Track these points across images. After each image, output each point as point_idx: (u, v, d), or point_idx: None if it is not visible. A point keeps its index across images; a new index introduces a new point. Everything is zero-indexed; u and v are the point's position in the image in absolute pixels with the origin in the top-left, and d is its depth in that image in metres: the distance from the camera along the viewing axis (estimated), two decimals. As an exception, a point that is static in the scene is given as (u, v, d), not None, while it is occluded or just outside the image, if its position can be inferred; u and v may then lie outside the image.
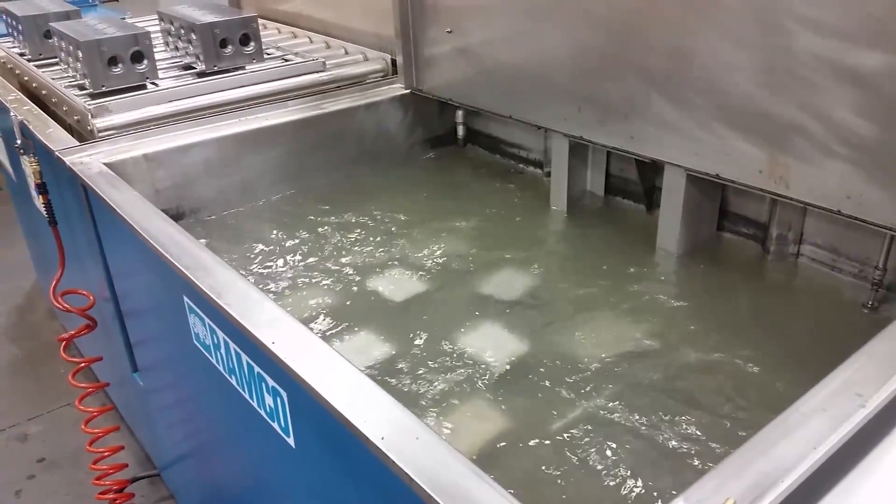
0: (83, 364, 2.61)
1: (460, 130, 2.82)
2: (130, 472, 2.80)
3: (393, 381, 1.62)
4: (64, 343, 2.51)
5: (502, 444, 1.44)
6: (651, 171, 2.16)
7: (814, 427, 1.01)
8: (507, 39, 2.23)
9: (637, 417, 1.48)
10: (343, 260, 2.10)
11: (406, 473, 0.95)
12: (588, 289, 1.93)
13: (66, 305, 2.48)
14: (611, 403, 1.52)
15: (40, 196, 2.49)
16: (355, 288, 1.98)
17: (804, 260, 1.94)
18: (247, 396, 1.51)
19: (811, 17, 1.52)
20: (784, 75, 1.59)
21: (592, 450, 1.41)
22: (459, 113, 2.78)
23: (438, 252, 2.11)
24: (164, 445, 2.63)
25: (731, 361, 1.62)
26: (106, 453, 2.57)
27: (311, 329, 1.74)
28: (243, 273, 2.04)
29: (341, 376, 1.17)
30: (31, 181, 2.53)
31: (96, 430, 2.54)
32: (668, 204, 2.01)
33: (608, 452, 1.40)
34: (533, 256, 2.09)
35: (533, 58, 2.16)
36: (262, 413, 1.46)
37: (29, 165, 2.47)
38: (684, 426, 1.45)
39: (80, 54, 2.43)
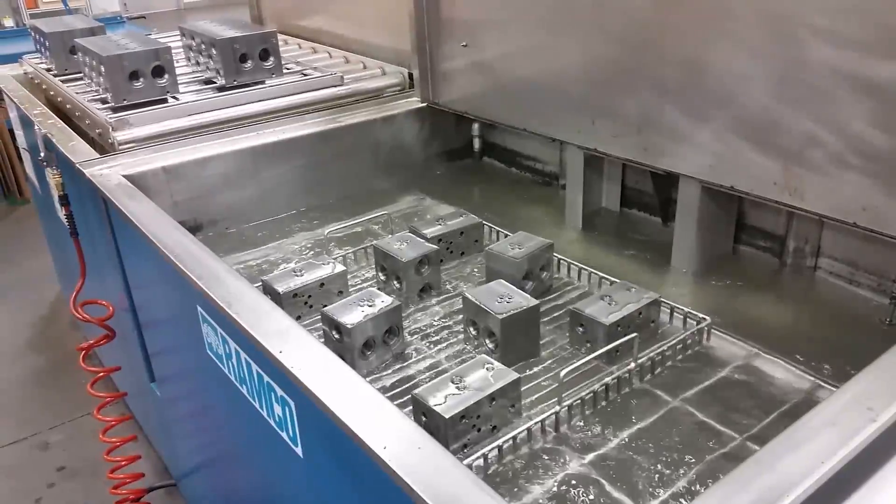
0: (102, 374, 2.64)
1: (476, 143, 2.83)
2: (148, 481, 2.82)
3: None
4: (83, 353, 2.55)
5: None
6: (666, 183, 2.15)
7: (822, 441, 0.99)
8: (522, 53, 2.24)
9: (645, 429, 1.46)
10: (357, 274, 2.11)
11: (407, 483, 0.95)
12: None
13: (85, 316, 2.52)
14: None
15: (62, 208, 2.55)
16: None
17: (822, 273, 1.91)
18: (257, 406, 1.52)
19: (826, 28, 1.50)
20: (799, 86, 1.57)
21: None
22: (476, 126, 2.79)
23: (454, 264, 2.12)
24: (180, 455, 2.65)
25: (749, 377, 1.59)
26: (123, 462, 2.59)
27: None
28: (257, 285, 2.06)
29: (347, 387, 1.17)
30: (55, 193, 2.58)
31: (114, 440, 2.57)
32: (683, 216, 1.99)
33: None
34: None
35: (547, 70, 2.17)
36: (272, 423, 1.46)
37: (52, 178, 2.52)
38: (695, 439, 1.43)
39: (103, 69, 2.48)
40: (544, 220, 2.38)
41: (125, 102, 2.50)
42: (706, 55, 1.73)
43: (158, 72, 2.54)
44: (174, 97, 2.60)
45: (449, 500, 0.92)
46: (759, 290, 1.90)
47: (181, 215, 2.28)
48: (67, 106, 2.76)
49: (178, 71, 2.74)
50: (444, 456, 1.00)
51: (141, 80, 2.51)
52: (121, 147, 2.35)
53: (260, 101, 2.62)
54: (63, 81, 2.94)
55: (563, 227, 2.34)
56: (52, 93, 2.97)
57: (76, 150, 2.33)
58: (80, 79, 2.87)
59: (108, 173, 2.14)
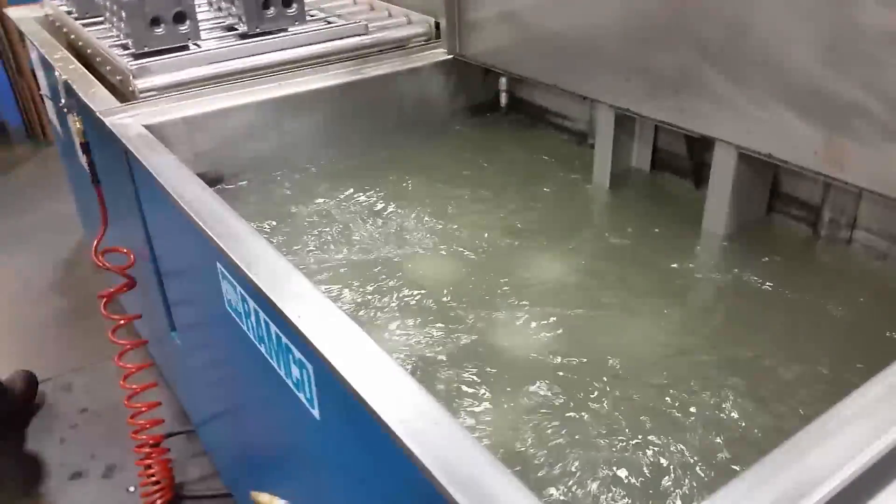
0: (122, 321, 2.65)
1: (503, 98, 2.75)
2: (168, 427, 2.86)
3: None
4: (104, 300, 2.55)
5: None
6: (700, 146, 2.08)
7: (854, 433, 0.95)
8: (556, 3, 2.15)
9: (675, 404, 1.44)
10: (376, 229, 2.08)
11: (420, 461, 0.93)
12: (626, 265, 1.88)
13: (106, 264, 2.52)
14: (647, 391, 1.48)
15: (84, 155, 2.53)
16: (387, 257, 1.95)
17: (857, 246, 1.85)
18: (275, 365, 1.51)
19: (880, -11, 1.41)
20: (847, 51, 1.49)
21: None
22: (503, 80, 2.71)
23: (473, 223, 2.08)
24: (199, 404, 2.68)
25: (772, 354, 1.55)
26: (143, 408, 2.62)
27: (340, 302, 1.75)
28: (275, 241, 2.04)
29: (366, 357, 1.15)
30: (76, 140, 2.56)
31: (134, 386, 2.59)
32: (716, 182, 1.93)
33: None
34: (569, 231, 2.04)
35: (581, 24, 2.08)
36: (290, 383, 1.45)
37: (73, 125, 2.49)
38: (718, 420, 1.40)
39: (123, 14, 2.42)
40: (569, 180, 2.32)
41: (146, 49, 2.45)
42: (751, 13, 1.64)
43: (180, 18, 2.48)
44: (196, 44, 2.54)
45: (465, 481, 0.90)
46: (788, 260, 1.84)
47: (201, 167, 2.25)
48: (88, 51, 2.72)
49: (203, 17, 2.69)
50: (464, 435, 0.98)
51: (162, 26, 2.45)
52: (141, 95, 2.31)
53: (283, 49, 2.56)
54: (84, 25, 2.89)
55: (591, 186, 2.28)
56: (72, 36, 2.92)
57: (96, 97, 2.29)
58: (102, 23, 2.81)
59: (128, 123, 2.10)
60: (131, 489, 2.80)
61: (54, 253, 4.33)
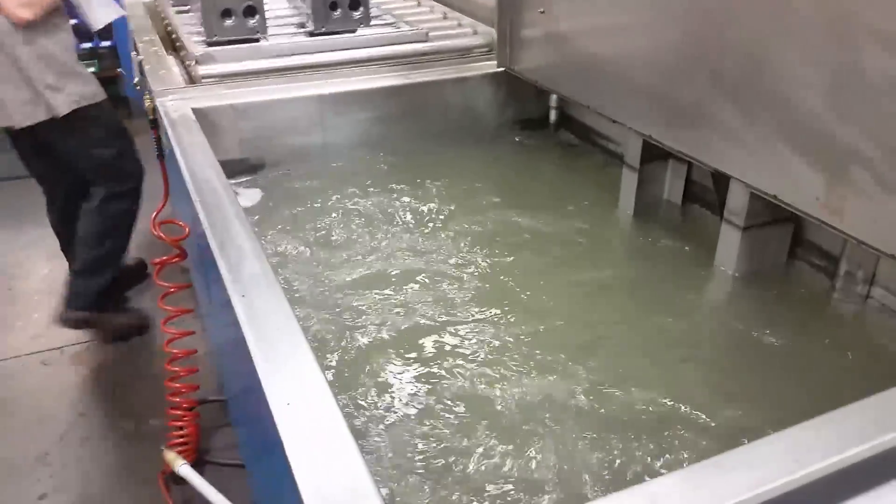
0: (172, 289, 2.83)
1: (553, 115, 2.75)
2: (205, 394, 3.02)
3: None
4: (157, 267, 2.74)
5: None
6: (725, 182, 2.01)
7: (730, 480, 0.92)
8: (592, 27, 2.14)
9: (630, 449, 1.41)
10: (395, 235, 2.13)
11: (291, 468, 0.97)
12: (614, 293, 1.85)
13: (161, 234, 2.70)
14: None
15: (152, 131, 2.72)
16: (399, 261, 2.01)
17: (873, 303, 1.73)
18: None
19: (887, 33, 1.33)
20: (852, 96, 1.41)
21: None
22: (553, 97, 2.71)
23: (475, 231, 2.10)
24: (224, 375, 2.82)
25: (749, 416, 1.48)
26: (181, 373, 2.78)
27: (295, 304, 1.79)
28: (295, 224, 2.13)
29: (286, 353, 1.21)
30: (147, 116, 2.76)
31: (175, 350, 2.76)
32: (730, 219, 1.86)
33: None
34: (572, 253, 2.04)
35: (614, 49, 2.06)
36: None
37: (145, 102, 2.69)
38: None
39: (199, 4, 2.60)
40: (598, 201, 2.29)
41: (216, 38, 2.61)
42: (764, 50, 1.58)
43: (250, 12, 2.63)
44: (264, 38, 2.69)
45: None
46: (794, 311, 1.75)
47: (246, 153, 2.39)
48: (173, 36, 2.93)
49: (280, 13, 2.84)
50: (350, 452, 1.01)
51: (233, 18, 2.62)
52: (203, 81, 2.47)
53: (341, 49, 2.67)
54: (178, 12, 3.11)
55: (615, 212, 2.25)
56: (165, 21, 3.16)
57: (163, 78, 2.48)
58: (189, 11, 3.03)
59: (178, 105, 2.26)
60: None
61: (146, 220, 4.65)
